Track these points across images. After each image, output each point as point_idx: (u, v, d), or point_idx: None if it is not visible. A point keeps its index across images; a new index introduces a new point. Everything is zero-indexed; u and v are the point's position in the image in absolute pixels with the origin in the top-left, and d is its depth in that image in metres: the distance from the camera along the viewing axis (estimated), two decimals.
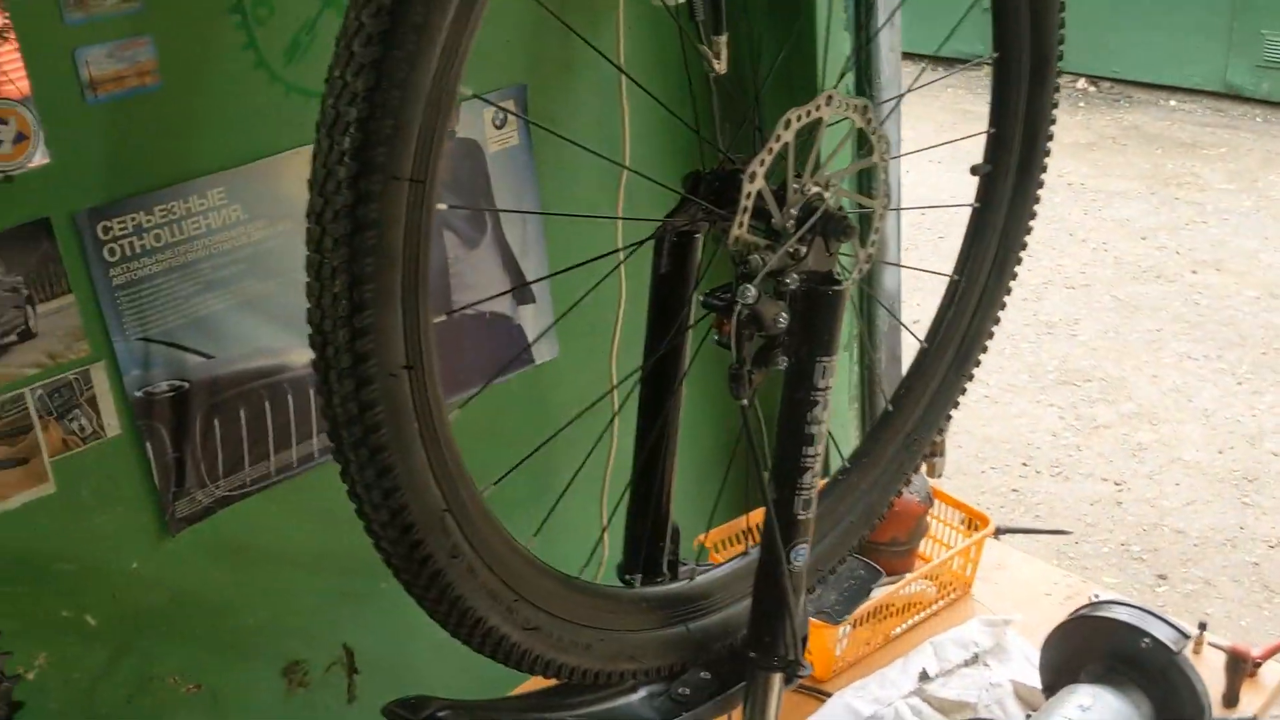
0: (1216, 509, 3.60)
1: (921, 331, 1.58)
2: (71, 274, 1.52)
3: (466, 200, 1.87)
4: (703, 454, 2.26)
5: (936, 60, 6.51)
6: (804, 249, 1.18)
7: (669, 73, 2.01)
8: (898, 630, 2.05)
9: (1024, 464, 3.86)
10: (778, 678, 1.29)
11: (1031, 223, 1.56)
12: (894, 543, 2.07)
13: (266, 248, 1.69)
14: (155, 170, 1.56)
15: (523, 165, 1.94)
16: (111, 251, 1.55)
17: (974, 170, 1.50)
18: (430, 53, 0.90)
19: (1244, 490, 3.68)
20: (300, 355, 1.76)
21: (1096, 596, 2.00)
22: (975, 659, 1.96)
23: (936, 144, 1.65)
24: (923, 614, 2.09)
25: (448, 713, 1.15)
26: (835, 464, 1.65)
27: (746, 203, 1.14)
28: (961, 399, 1.60)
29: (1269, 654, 1.91)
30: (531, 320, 2.04)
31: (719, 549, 2.08)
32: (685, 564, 1.45)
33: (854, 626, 1.95)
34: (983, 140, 1.53)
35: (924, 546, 2.18)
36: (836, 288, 1.20)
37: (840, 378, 2.34)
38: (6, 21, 1.39)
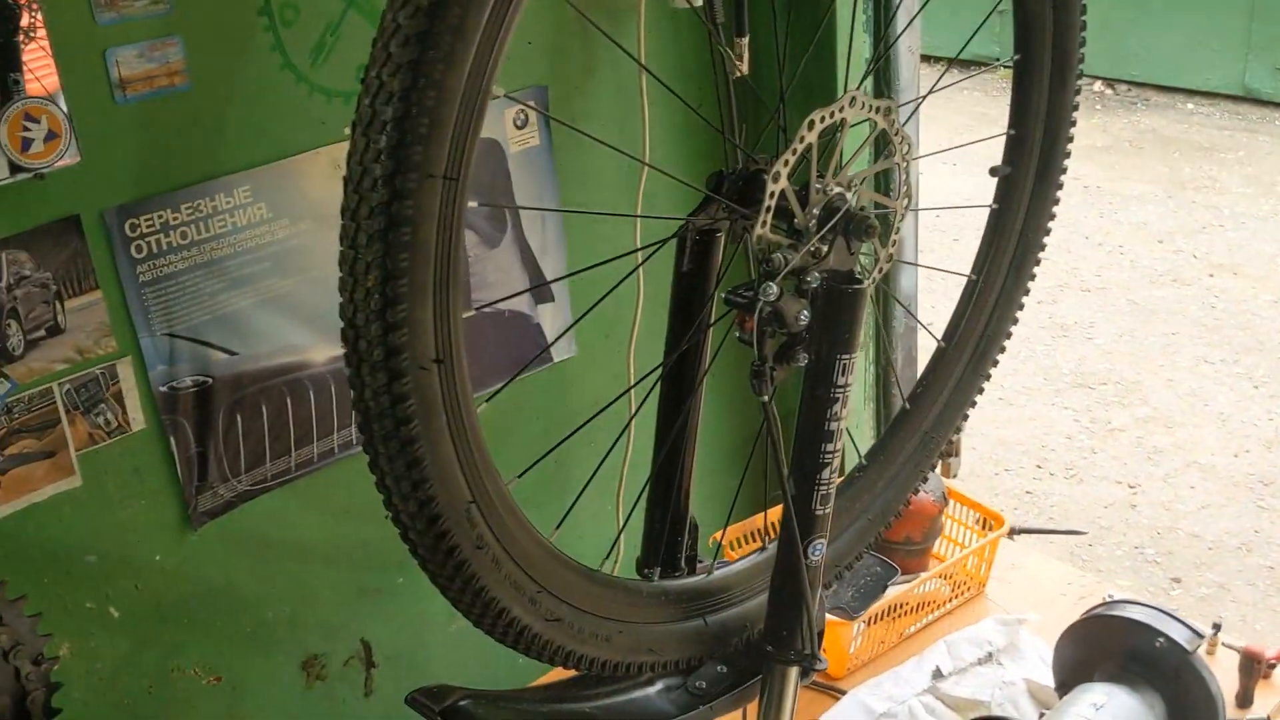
0: (1232, 513, 3.60)
1: (939, 331, 1.59)
2: (100, 270, 1.54)
3: (487, 199, 1.89)
4: (722, 451, 2.27)
5: (954, 63, 6.51)
6: (825, 248, 1.19)
7: (689, 76, 2.03)
8: (912, 629, 2.06)
9: (1038, 466, 3.87)
10: (794, 671, 1.30)
11: (1050, 224, 1.57)
12: (909, 541, 2.08)
13: (290, 246, 1.71)
14: (183, 169, 1.59)
15: (543, 166, 1.96)
16: (139, 248, 1.57)
17: (993, 171, 1.52)
18: (466, 54, 0.91)
19: (1260, 494, 3.68)
20: (321, 352, 1.79)
21: (1111, 596, 2.00)
22: (989, 657, 1.97)
23: (957, 145, 1.66)
24: (937, 613, 2.10)
25: (469, 702, 1.17)
26: (852, 461, 1.66)
27: (770, 202, 1.15)
28: (978, 399, 1.61)
29: None
30: (551, 319, 2.06)
31: (735, 546, 2.09)
32: (703, 560, 1.46)
33: (869, 624, 1.96)
34: (1000, 144, 1.55)
35: (939, 546, 2.19)
36: (857, 286, 1.21)
37: (859, 377, 2.35)
38: (34, 22, 1.41)
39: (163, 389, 1.64)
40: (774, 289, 1.14)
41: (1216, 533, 3.52)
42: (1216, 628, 1.98)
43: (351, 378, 0.97)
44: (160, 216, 1.58)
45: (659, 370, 1.37)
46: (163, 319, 1.62)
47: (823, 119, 1.16)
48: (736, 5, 1.69)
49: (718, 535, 2.07)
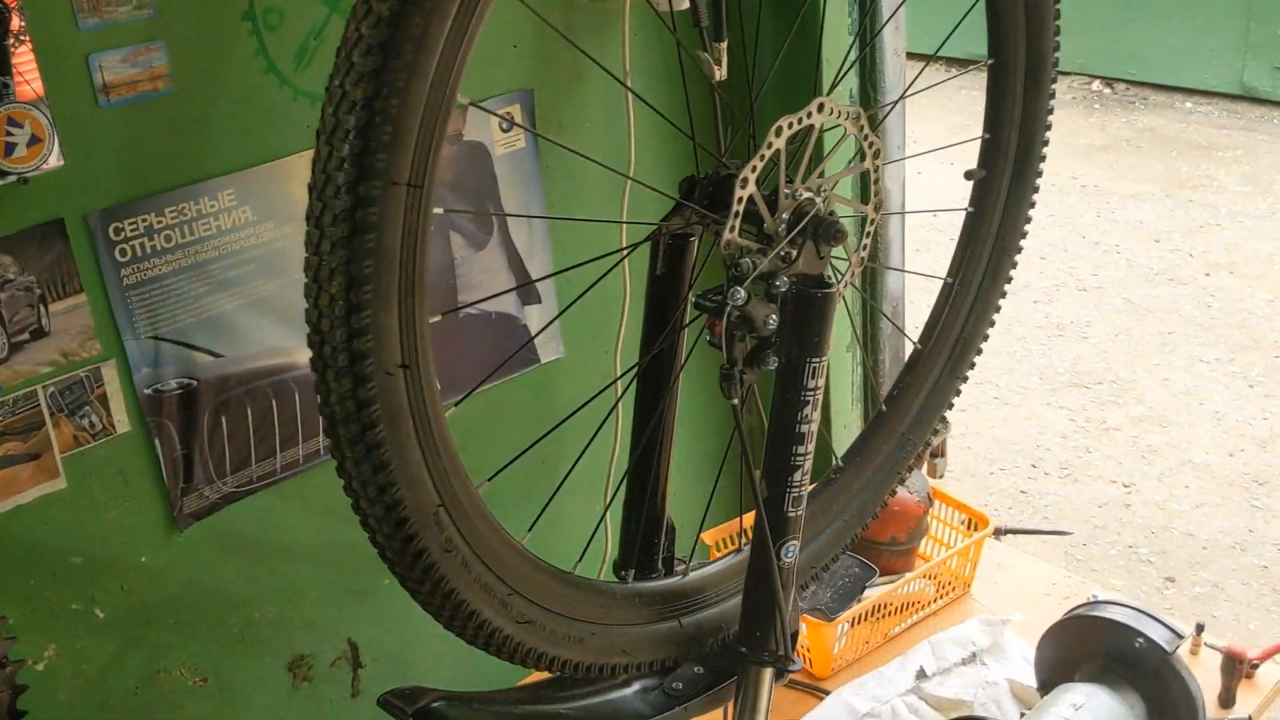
0: (1226, 512, 3.60)
1: (917, 334, 1.60)
2: (84, 274, 1.55)
3: (472, 202, 1.90)
4: (702, 454, 2.28)
5: (949, 61, 6.51)
6: (795, 253, 1.20)
7: (674, 77, 2.04)
8: (896, 629, 2.07)
9: (1033, 465, 3.87)
10: (768, 672, 1.31)
11: (1027, 227, 1.58)
12: (893, 542, 2.09)
13: (275, 249, 1.72)
14: (167, 173, 1.60)
15: (529, 168, 1.97)
16: (123, 252, 1.58)
17: (968, 175, 1.52)
18: (428, 63, 0.92)
19: (1254, 494, 3.67)
20: (306, 355, 1.78)
21: (1095, 597, 2.01)
22: (973, 658, 1.97)
23: (929, 150, 1.67)
24: (921, 613, 2.10)
25: (442, 703, 1.18)
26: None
27: (739, 207, 1.16)
28: (956, 400, 1.62)
29: (1266, 655, 1.92)
30: (537, 321, 2.07)
31: (720, 548, 2.10)
32: (681, 561, 1.47)
33: (853, 625, 1.97)
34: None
35: (924, 546, 2.20)
36: (827, 290, 1.22)
37: (843, 379, 2.36)
38: (23, 25, 1.42)
39: (147, 391, 1.65)
40: (742, 293, 1.15)
41: (1211, 532, 3.52)
42: (1199, 628, 1.99)
43: (318, 383, 0.98)
44: (144, 220, 1.59)
45: (634, 372, 1.38)
46: (147, 322, 1.63)
47: (790, 125, 1.17)
48: (714, 9, 1.70)
49: (705, 536, 2.08)
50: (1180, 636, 1.70)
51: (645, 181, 1.84)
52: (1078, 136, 6.34)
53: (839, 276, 1.26)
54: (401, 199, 0.93)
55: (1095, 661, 1.74)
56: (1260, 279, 4.88)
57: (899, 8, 1.91)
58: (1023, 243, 1.57)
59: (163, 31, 1.53)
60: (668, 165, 2.09)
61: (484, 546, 1.09)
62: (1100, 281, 4.96)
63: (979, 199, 1.54)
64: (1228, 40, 6.58)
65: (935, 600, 2.12)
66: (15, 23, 1.42)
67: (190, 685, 1.80)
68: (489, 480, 1.14)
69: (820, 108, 1.19)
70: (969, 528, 2.18)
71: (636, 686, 1.35)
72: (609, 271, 1.63)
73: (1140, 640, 1.68)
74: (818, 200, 1.21)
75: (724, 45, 1.66)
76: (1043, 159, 1.53)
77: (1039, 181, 1.55)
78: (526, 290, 2.04)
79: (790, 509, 1.27)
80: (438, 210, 0.98)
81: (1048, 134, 1.53)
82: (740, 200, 1.15)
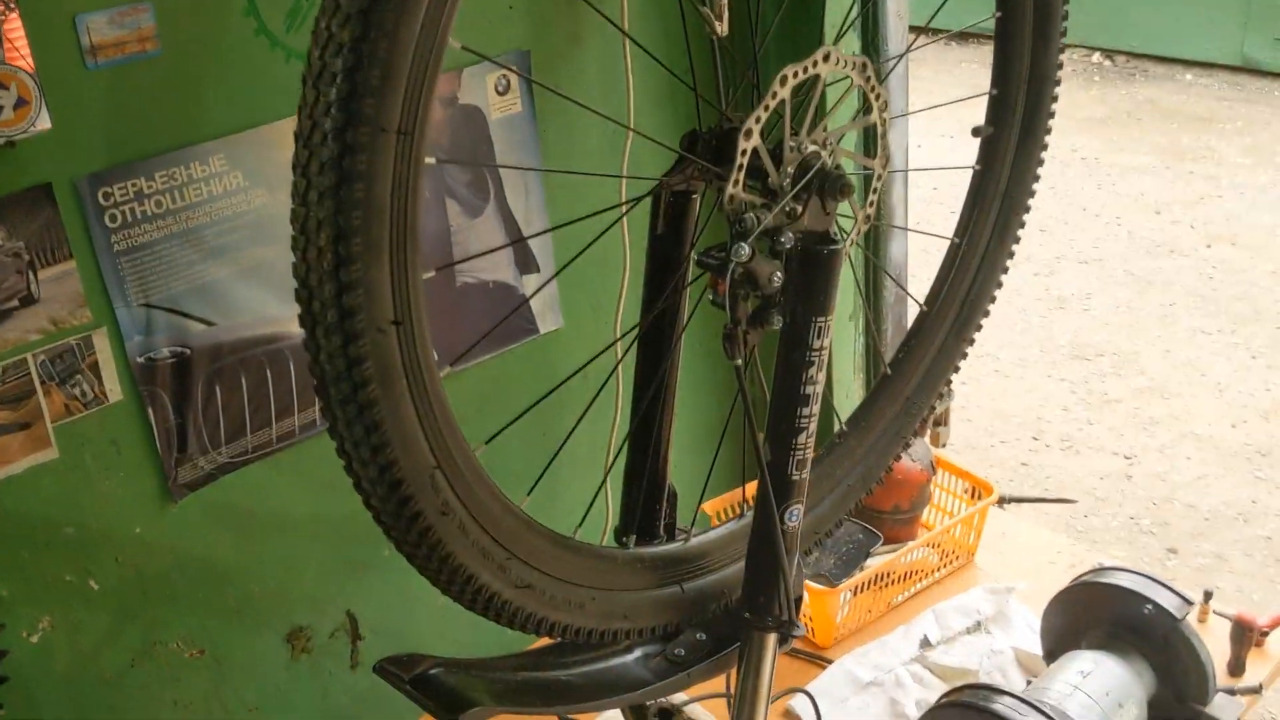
0: (1228, 483, 3.58)
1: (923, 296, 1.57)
2: (73, 240, 1.52)
3: (456, 161, 1.86)
4: (703, 424, 2.26)
5: (943, 30, 6.45)
6: (800, 208, 1.17)
7: (674, 33, 2.00)
8: (900, 597, 2.05)
9: (1034, 438, 3.85)
10: (772, 638, 1.29)
11: (1035, 185, 1.55)
12: (896, 510, 2.07)
13: (268, 214, 1.69)
14: (156, 136, 1.57)
15: (526, 132, 1.94)
16: (113, 217, 1.55)
17: (975, 132, 1.49)
18: (417, 3, 0.89)
19: (1256, 464, 3.66)
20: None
21: (1102, 564, 1.99)
22: (977, 626, 1.96)
23: (934, 105, 1.64)
24: (925, 581, 2.08)
25: (440, 670, 1.16)
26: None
27: (742, 160, 1.13)
28: (962, 364, 1.59)
29: (1276, 623, 1.91)
30: (536, 288, 2.04)
31: (721, 518, 2.08)
32: (683, 530, 1.44)
33: (856, 593, 1.95)
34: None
35: (928, 515, 2.18)
36: (833, 247, 1.19)
37: (845, 347, 2.33)
38: None
39: (140, 360, 1.62)
40: (746, 250, 1.12)
41: (1213, 503, 3.51)
42: (1208, 595, 1.97)
43: (307, 340, 0.95)
44: (134, 185, 1.56)
45: (633, 335, 1.35)
46: (139, 289, 1.60)
47: (795, 75, 1.13)
48: None
49: (706, 507, 2.06)
50: (1189, 603, 1.68)
51: (645, 139, 1.80)
52: (1078, 109, 6.30)
53: (844, 236, 1.24)
54: (392, 146, 0.90)
55: (1102, 629, 1.72)
56: (1261, 250, 4.85)
57: None
58: (1030, 202, 1.54)
59: None
60: (668, 125, 2.06)
61: (482, 510, 1.06)
62: (1101, 254, 4.93)
63: (986, 157, 1.51)
64: (1228, 12, 6.54)
65: (939, 569, 2.10)
66: None
67: (187, 658, 1.78)
68: (487, 443, 1.12)
69: (826, 57, 1.16)
70: (973, 496, 2.16)
71: (638, 653, 1.33)
72: (609, 228, 1.60)
73: (1149, 607, 1.66)
74: (824, 154, 1.17)
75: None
76: (1051, 115, 1.50)
77: (1048, 140, 1.52)
78: (525, 258, 2.01)
79: (795, 472, 1.25)
80: (430, 161, 0.94)
81: (1056, 90, 1.49)
82: (744, 153, 1.12)
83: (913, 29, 2.17)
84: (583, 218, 1.36)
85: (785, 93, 1.13)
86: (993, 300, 1.57)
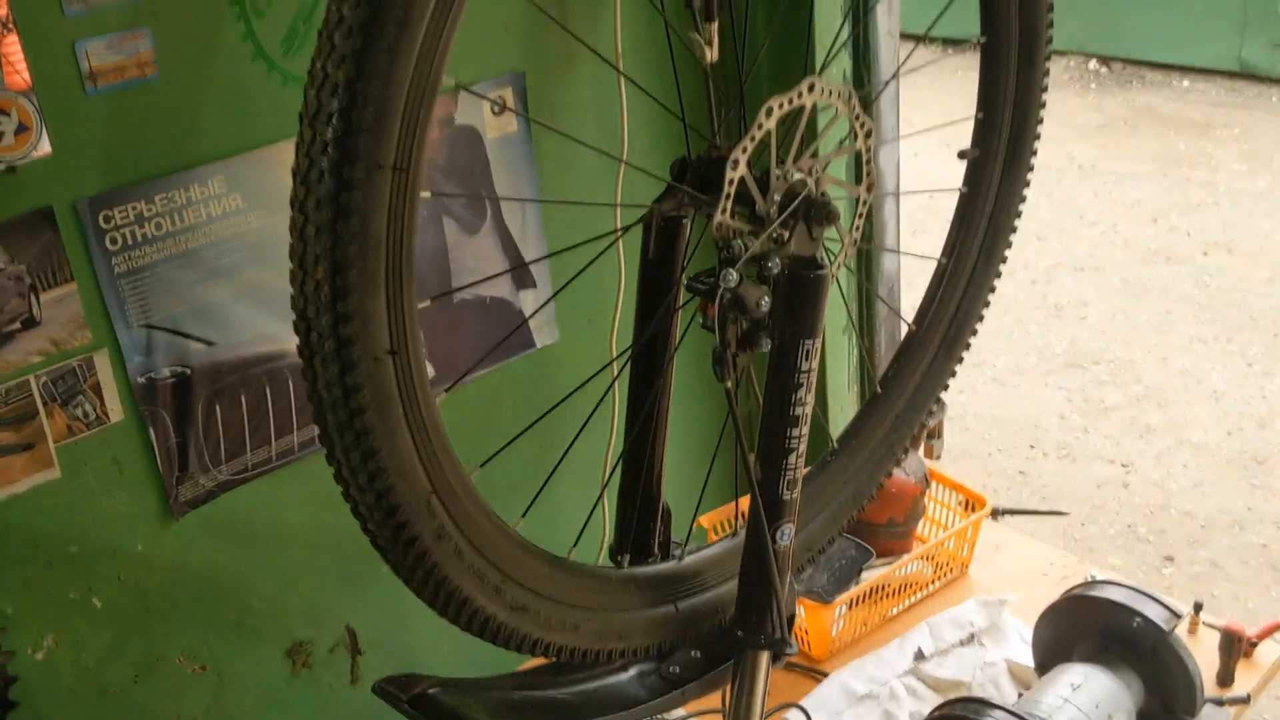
0: (1225, 491, 3.60)
1: (912, 316, 1.59)
2: (74, 262, 1.54)
3: (465, 186, 1.89)
4: (697, 438, 2.28)
5: (944, 42, 6.48)
6: (786, 234, 1.20)
7: (666, 58, 2.02)
8: (894, 610, 2.07)
9: (1031, 446, 3.87)
10: (765, 656, 1.31)
11: (1021, 207, 1.57)
12: (891, 524, 2.08)
13: (266, 236, 1.71)
14: (155, 160, 1.59)
15: (522, 152, 1.96)
16: (113, 240, 1.57)
17: (962, 155, 1.51)
18: (411, 44, 0.91)
19: (1253, 472, 3.67)
20: None
21: (1093, 576, 2.01)
22: (971, 639, 1.97)
23: (920, 130, 1.66)
24: (919, 594, 2.10)
25: (438, 690, 1.18)
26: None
27: (730, 189, 1.15)
28: (953, 382, 1.61)
29: (1264, 634, 1.92)
30: (532, 306, 2.06)
31: (717, 531, 2.10)
32: (677, 545, 1.47)
33: (850, 607, 1.97)
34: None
35: (922, 528, 2.20)
36: (819, 272, 1.21)
37: (839, 361, 2.35)
38: (9, 13, 1.41)
39: (141, 380, 1.64)
40: (734, 275, 1.14)
41: (1209, 511, 3.52)
42: (1198, 607, 1.99)
43: (305, 369, 0.97)
44: (134, 208, 1.59)
45: (627, 356, 1.37)
46: (139, 310, 1.62)
47: (781, 105, 1.16)
48: None
49: (702, 520, 2.08)
50: (1177, 615, 1.70)
51: (637, 164, 1.83)
52: (1074, 116, 6.32)
53: (832, 258, 1.26)
54: (387, 182, 0.92)
55: (1093, 641, 1.74)
56: (1258, 257, 4.87)
57: None
58: (1017, 223, 1.56)
59: (148, 17, 1.52)
60: (661, 148, 2.08)
61: (477, 533, 1.09)
62: (1097, 261, 4.95)
63: (972, 179, 1.53)
64: (1225, 17, 6.55)
65: (933, 582, 2.12)
66: (2, 9, 1.41)
67: (189, 673, 1.80)
68: (481, 466, 1.14)
69: (811, 88, 1.18)
70: (966, 509, 2.18)
71: (633, 671, 1.35)
72: (603, 253, 1.63)
73: (1138, 620, 1.68)
74: (809, 181, 1.20)
75: (715, 26, 1.64)
76: (1037, 138, 1.52)
77: (1034, 161, 1.54)
78: (521, 275, 2.03)
79: (785, 492, 1.27)
80: (424, 194, 0.97)
81: (1042, 113, 1.52)
82: (731, 182, 1.15)
83: (906, 37, 2.18)
84: (580, 244, 1.39)
85: (771, 123, 1.15)
86: (980, 319, 1.59)
